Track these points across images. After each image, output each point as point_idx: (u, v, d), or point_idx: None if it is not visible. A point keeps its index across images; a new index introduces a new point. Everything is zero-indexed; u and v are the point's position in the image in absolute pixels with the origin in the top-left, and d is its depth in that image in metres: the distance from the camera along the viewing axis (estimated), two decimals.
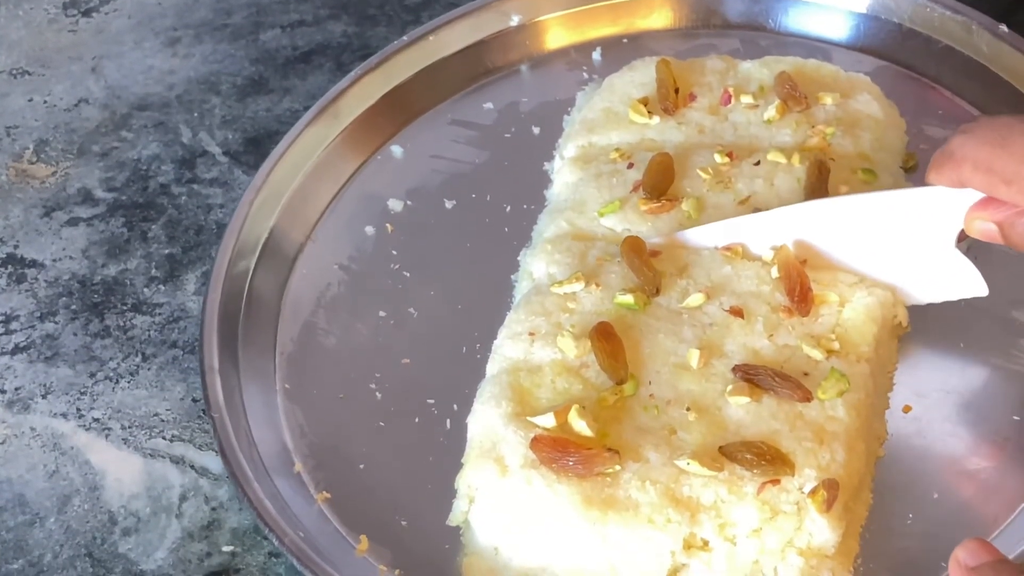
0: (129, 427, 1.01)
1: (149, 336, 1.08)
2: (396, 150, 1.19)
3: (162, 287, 1.11)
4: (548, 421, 0.89)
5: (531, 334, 0.95)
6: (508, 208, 1.13)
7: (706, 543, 0.86)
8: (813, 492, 0.85)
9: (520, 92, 1.23)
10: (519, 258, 1.08)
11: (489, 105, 1.22)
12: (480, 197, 1.14)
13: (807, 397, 0.89)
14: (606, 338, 0.93)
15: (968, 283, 0.94)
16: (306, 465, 0.97)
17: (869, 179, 1.03)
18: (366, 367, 1.03)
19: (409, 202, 1.15)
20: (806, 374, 0.91)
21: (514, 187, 1.14)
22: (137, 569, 0.93)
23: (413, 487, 0.95)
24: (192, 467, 0.99)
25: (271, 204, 1.12)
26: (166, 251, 1.14)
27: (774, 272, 0.96)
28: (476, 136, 1.20)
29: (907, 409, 0.95)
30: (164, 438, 1.00)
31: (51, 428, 1.02)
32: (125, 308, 1.10)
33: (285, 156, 1.14)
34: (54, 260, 1.14)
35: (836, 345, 0.92)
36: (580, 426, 0.88)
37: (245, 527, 0.95)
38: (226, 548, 0.94)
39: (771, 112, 1.08)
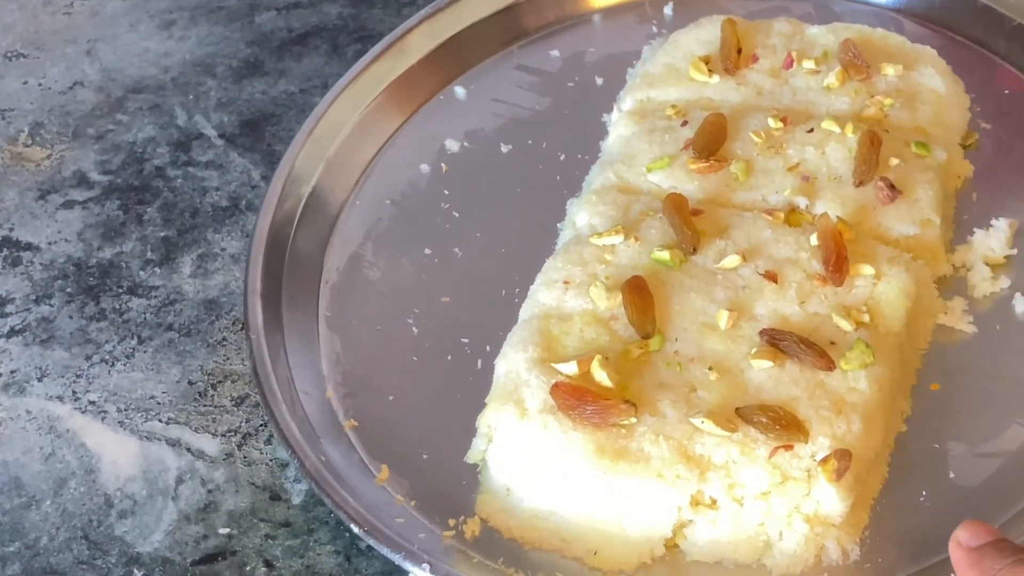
0: (125, 410, 1.01)
1: (145, 319, 1.07)
2: (459, 91, 1.20)
3: (158, 270, 1.11)
4: (571, 369, 0.90)
5: (566, 282, 0.96)
6: (563, 157, 1.13)
7: (714, 501, 0.86)
8: (824, 461, 0.85)
9: (588, 42, 1.23)
10: (567, 206, 1.08)
11: (556, 53, 1.22)
12: (536, 143, 1.15)
13: (830, 366, 0.89)
14: (637, 292, 0.94)
15: None
16: (337, 392, 0.99)
17: (922, 153, 1.02)
18: (406, 302, 1.04)
19: (466, 143, 1.16)
20: (833, 343, 0.91)
21: (571, 136, 1.15)
22: (133, 552, 0.93)
23: (438, 422, 0.96)
24: (188, 450, 0.98)
25: (331, 134, 1.14)
26: (162, 234, 1.14)
27: (813, 240, 0.96)
28: (539, 82, 1.20)
29: (934, 387, 0.94)
30: (160, 421, 1.00)
31: (47, 411, 1.02)
32: (120, 291, 1.09)
33: (348, 88, 1.16)
34: (49, 243, 1.13)
35: (866, 318, 0.92)
36: (601, 376, 0.89)
37: (242, 509, 0.95)
38: (222, 530, 0.94)
39: (831, 79, 1.07)
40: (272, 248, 1.05)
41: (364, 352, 1.02)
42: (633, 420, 0.87)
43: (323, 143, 1.13)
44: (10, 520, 0.95)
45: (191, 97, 1.24)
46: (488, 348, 1.00)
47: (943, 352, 0.96)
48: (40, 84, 1.28)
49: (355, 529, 0.88)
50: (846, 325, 0.91)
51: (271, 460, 0.97)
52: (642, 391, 0.89)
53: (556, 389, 0.89)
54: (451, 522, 0.91)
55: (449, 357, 1.01)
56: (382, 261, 1.08)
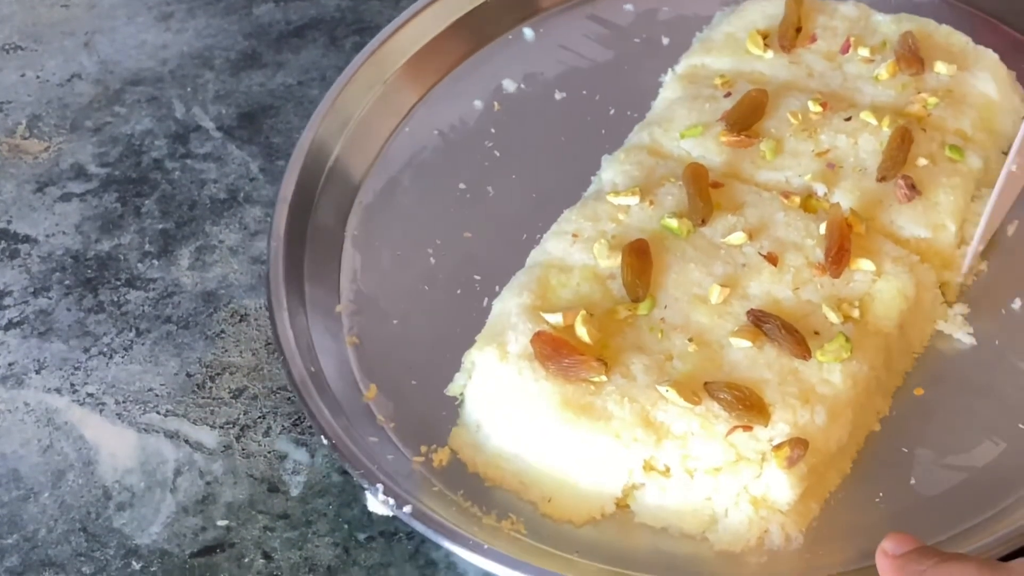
0: (123, 402, 1.02)
1: (143, 311, 1.08)
2: (528, 32, 1.21)
3: (155, 262, 1.11)
4: (556, 319, 0.92)
5: (574, 235, 0.98)
6: (612, 111, 1.14)
7: (667, 469, 0.88)
8: (779, 447, 0.86)
9: (661, 1, 1.23)
10: (602, 160, 1.09)
11: (630, 7, 1.23)
12: (590, 95, 1.16)
13: (806, 355, 0.89)
14: (637, 255, 0.95)
15: None
16: (347, 308, 1.02)
17: (955, 157, 1.00)
18: (430, 232, 1.07)
19: (523, 85, 1.17)
20: (817, 333, 0.91)
21: (626, 92, 1.16)
22: (132, 544, 0.94)
23: (433, 352, 0.99)
24: (186, 442, 0.99)
25: (393, 58, 1.16)
26: (159, 226, 1.14)
27: (823, 228, 0.96)
28: (607, 35, 1.21)
29: (918, 392, 0.94)
30: (158, 413, 1.01)
31: (45, 403, 1.02)
32: (119, 283, 1.10)
33: (425, 11, 1.18)
34: (47, 235, 1.14)
35: (856, 313, 0.92)
36: (581, 332, 0.91)
37: (240, 501, 0.96)
38: (221, 522, 0.95)
39: (882, 70, 1.06)
40: (312, 160, 1.08)
41: (380, 274, 1.05)
42: (603, 379, 0.89)
43: (384, 66, 1.16)
44: (8, 512, 0.96)
45: (189, 89, 1.25)
46: (497, 288, 1.01)
47: (937, 358, 0.96)
48: (38, 76, 1.28)
49: (323, 440, 0.91)
50: (833, 317, 0.91)
51: (269, 452, 0.98)
52: (619, 352, 0.91)
53: (537, 338, 0.91)
54: (423, 449, 0.94)
55: (459, 291, 1.03)
56: (416, 189, 1.11)
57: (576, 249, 0.97)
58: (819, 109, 1.03)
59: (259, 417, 1.00)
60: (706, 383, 0.88)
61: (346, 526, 0.94)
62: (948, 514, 0.88)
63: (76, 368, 1.04)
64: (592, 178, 1.09)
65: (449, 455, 0.94)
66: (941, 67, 1.05)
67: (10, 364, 1.05)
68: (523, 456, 0.91)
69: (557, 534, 0.89)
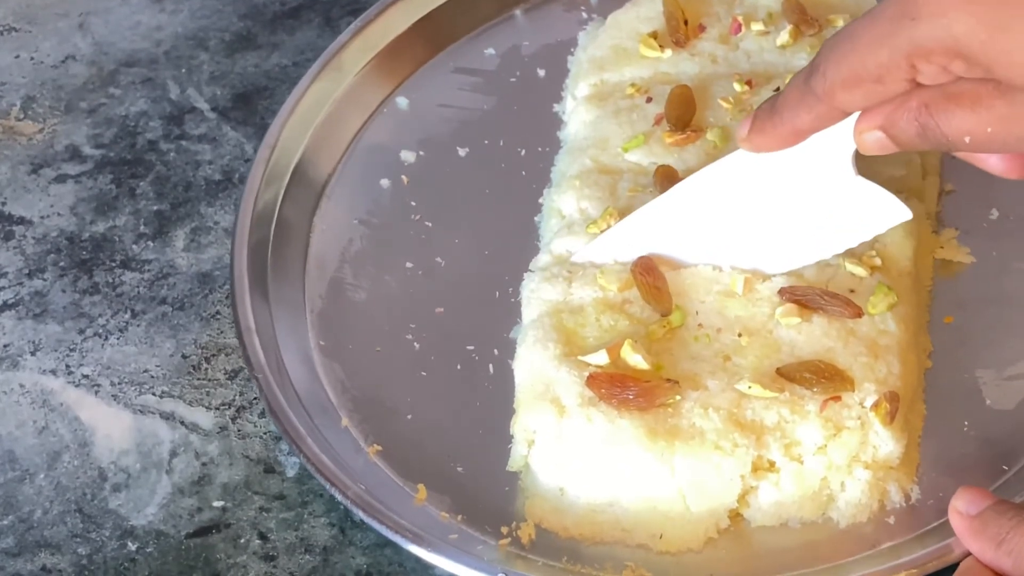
0: (119, 383, 1.01)
1: (138, 293, 1.07)
2: (401, 102, 1.17)
3: (151, 244, 1.10)
4: (600, 359, 0.89)
5: (569, 272, 0.95)
6: (523, 152, 1.12)
7: (772, 464, 0.86)
8: (875, 405, 0.85)
9: (520, 36, 1.22)
10: (541, 200, 1.07)
11: (491, 51, 1.21)
12: (493, 143, 1.13)
13: (858, 313, 0.89)
14: (648, 271, 0.93)
15: (887, 210, 0.90)
16: (352, 419, 0.96)
17: None
18: (400, 319, 1.02)
19: (421, 152, 1.13)
20: (852, 291, 0.91)
21: (526, 130, 1.13)
22: (127, 524, 0.93)
23: (464, 433, 0.94)
24: (182, 423, 0.98)
25: (283, 164, 1.10)
26: (155, 208, 1.13)
27: None
28: (481, 82, 1.19)
29: (948, 320, 0.96)
30: (154, 394, 1.00)
31: (40, 385, 1.01)
32: (114, 265, 1.09)
33: (293, 116, 1.12)
34: (42, 217, 1.13)
35: (878, 261, 0.93)
36: (635, 360, 0.88)
37: (236, 482, 0.94)
38: (216, 503, 0.93)
39: (784, 37, 1.08)
40: (254, 285, 1.01)
41: (369, 375, 0.99)
42: (678, 397, 0.87)
43: (277, 173, 1.09)
44: (4, 494, 0.95)
45: (184, 71, 1.24)
46: (496, 352, 0.98)
47: (948, 285, 0.98)
48: (32, 58, 1.27)
49: (424, 552, 0.85)
50: (861, 271, 0.92)
51: (265, 433, 0.97)
52: (678, 368, 0.89)
53: (593, 380, 0.87)
54: (504, 530, 0.89)
55: (458, 366, 0.98)
56: (364, 282, 1.05)
57: (576, 287, 0.94)
58: (746, 88, 1.04)
59: (255, 398, 0.99)
60: (778, 369, 0.87)
61: (342, 507, 0.92)
62: None
63: (71, 350, 1.03)
64: (535, 219, 1.06)
65: (534, 528, 0.89)
66: (840, 20, 1.08)
67: (5, 346, 1.03)
68: (619, 503, 0.87)
69: (682, 565, 0.86)
